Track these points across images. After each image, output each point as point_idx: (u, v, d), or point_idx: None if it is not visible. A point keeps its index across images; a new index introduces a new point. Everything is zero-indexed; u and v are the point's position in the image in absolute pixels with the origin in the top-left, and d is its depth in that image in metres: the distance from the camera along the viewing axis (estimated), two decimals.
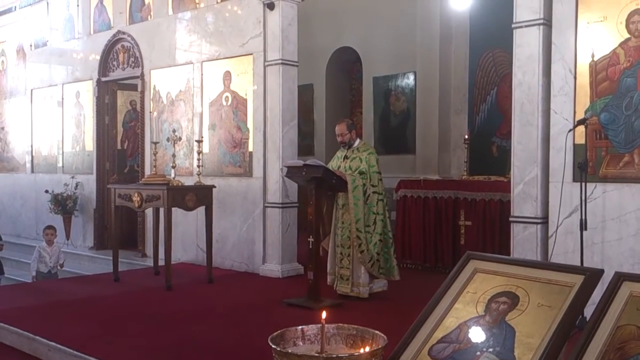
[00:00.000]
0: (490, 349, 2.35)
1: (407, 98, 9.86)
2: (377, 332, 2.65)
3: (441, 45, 9.16)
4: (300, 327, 2.77)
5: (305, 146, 10.57)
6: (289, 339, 2.72)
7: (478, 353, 2.36)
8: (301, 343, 2.74)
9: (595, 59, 4.78)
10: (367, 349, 2.51)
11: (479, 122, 8.88)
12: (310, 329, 2.76)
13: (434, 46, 9.19)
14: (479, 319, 2.51)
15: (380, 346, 2.53)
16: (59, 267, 7.70)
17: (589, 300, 2.35)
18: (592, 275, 2.39)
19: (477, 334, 2.46)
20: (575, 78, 4.85)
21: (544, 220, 5.02)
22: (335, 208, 5.72)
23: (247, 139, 7.24)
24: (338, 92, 11.40)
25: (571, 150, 4.80)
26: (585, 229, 4.42)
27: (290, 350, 2.55)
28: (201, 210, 6.71)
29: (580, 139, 4.72)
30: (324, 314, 2.49)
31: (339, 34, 10.74)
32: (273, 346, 2.54)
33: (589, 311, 2.51)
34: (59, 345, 4.41)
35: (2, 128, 11.68)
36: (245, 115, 7.26)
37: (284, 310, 5.29)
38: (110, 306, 5.67)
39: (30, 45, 10.85)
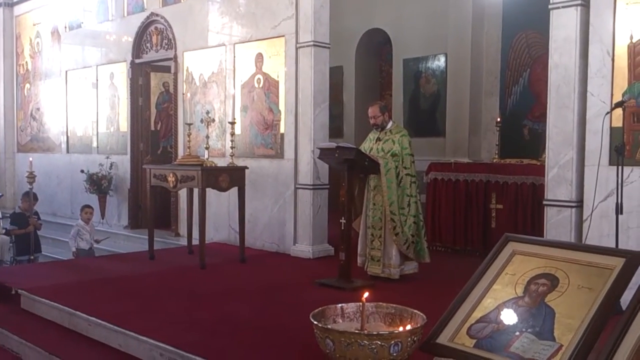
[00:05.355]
0: (530, 330, 2.38)
1: (437, 80, 9.78)
2: (415, 311, 2.70)
3: (473, 26, 9.05)
4: (340, 305, 2.84)
5: (334, 128, 10.55)
6: (329, 316, 2.79)
7: (517, 333, 2.40)
8: (341, 320, 2.81)
9: (634, 40, 4.69)
10: (408, 327, 2.57)
11: (511, 104, 8.79)
12: (350, 307, 2.83)
13: (466, 27, 9.09)
14: (518, 300, 2.55)
15: (419, 325, 2.59)
16: (94, 244, 8.00)
17: (629, 283, 2.37)
18: (634, 258, 2.40)
19: (516, 315, 2.49)
20: (613, 60, 4.78)
21: (579, 204, 4.99)
22: (366, 190, 5.75)
23: (279, 120, 7.29)
24: (368, 74, 11.35)
25: (608, 133, 4.74)
26: (621, 213, 4.40)
27: (330, 327, 2.63)
28: (233, 191, 6.80)
29: (618, 122, 4.69)
30: (366, 294, 2.56)
31: (369, 15, 10.67)
32: (314, 322, 2.61)
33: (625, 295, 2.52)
34: (98, 320, 4.54)
35: (38, 109, 11.92)
36: (277, 97, 7.30)
37: (316, 290, 5.36)
38: (147, 283, 5.81)
39: (65, 27, 11.00)
